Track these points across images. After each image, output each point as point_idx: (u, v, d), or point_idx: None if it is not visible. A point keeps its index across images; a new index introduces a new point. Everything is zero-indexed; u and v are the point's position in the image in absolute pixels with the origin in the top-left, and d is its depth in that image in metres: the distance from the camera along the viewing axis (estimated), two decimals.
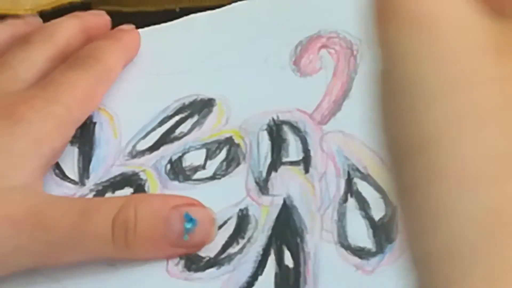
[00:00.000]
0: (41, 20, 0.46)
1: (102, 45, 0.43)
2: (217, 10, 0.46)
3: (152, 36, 0.46)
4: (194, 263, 0.37)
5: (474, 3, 0.23)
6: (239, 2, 0.46)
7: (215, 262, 0.37)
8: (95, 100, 0.42)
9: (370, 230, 0.38)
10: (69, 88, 0.41)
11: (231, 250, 0.38)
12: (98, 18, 0.45)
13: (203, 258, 0.38)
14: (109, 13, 0.46)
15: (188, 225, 0.37)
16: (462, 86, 0.22)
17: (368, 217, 0.38)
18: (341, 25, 0.44)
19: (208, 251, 0.38)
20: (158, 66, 0.45)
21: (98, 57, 0.42)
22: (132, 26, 0.46)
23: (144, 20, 0.46)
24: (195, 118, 0.43)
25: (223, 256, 0.37)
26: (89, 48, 0.43)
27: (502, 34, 0.23)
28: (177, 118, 0.43)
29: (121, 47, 0.44)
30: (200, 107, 0.43)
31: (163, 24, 0.46)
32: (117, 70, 0.44)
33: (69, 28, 0.44)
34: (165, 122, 0.43)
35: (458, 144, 0.22)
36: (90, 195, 0.41)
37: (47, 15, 0.46)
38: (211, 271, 0.37)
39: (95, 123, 0.43)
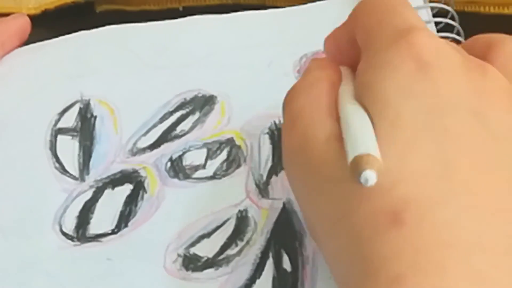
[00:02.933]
0: (28, 19, 0.47)
1: None
2: (222, 15, 0.47)
3: (155, 30, 0.46)
4: (192, 262, 0.37)
5: None
6: (246, 12, 0.47)
7: (213, 262, 0.37)
8: None
9: None
10: None
11: (230, 252, 0.37)
12: (15, 24, 0.46)
13: (201, 258, 0.37)
14: (112, 12, 0.47)
15: None
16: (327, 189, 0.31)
17: None
18: None
19: (207, 252, 0.37)
20: (160, 59, 0.45)
21: None
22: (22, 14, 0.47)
23: (147, 19, 0.47)
24: (197, 115, 0.43)
25: (221, 257, 0.37)
26: None
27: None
28: (178, 114, 0.43)
29: None
30: (202, 104, 0.43)
31: (167, 21, 0.46)
32: None
33: None
34: (166, 118, 0.43)
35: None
36: (90, 191, 0.40)
37: (51, 14, 0.47)
38: (209, 271, 0.37)
39: (96, 117, 0.43)
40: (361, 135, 0.29)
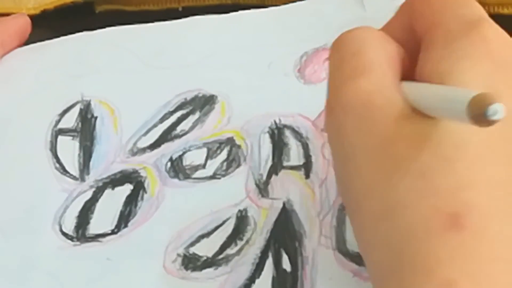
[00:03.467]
0: (28, 19, 0.47)
1: None
2: (222, 15, 0.47)
3: (155, 31, 0.46)
4: (191, 262, 0.37)
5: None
6: (247, 11, 0.47)
7: (212, 262, 0.37)
8: None
9: None
10: None
11: (229, 251, 0.37)
12: (15, 24, 0.46)
13: (201, 257, 0.37)
14: (112, 12, 0.47)
15: None
16: (385, 147, 0.29)
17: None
18: None
19: (206, 251, 0.37)
20: (161, 59, 0.45)
21: None
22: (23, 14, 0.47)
23: (146, 19, 0.47)
24: (197, 115, 0.43)
25: (220, 256, 0.37)
26: None
27: (423, 123, 0.29)
28: (178, 114, 0.43)
29: None
30: (202, 104, 0.43)
31: (167, 21, 0.46)
32: None
33: None
34: (167, 118, 0.43)
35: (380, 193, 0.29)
36: (90, 192, 0.40)
37: (50, 14, 0.47)
38: (208, 271, 0.37)
39: (96, 117, 0.43)
40: (462, 89, 0.28)
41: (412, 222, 0.28)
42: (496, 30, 0.30)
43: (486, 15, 0.31)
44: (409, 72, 0.32)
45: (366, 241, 0.30)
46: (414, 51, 0.32)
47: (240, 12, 0.47)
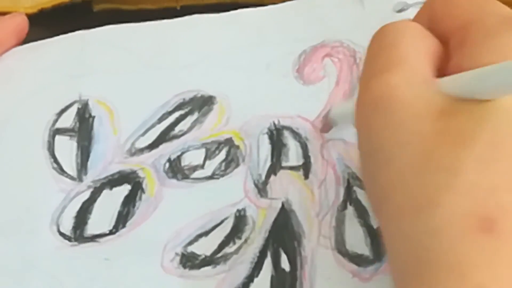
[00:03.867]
0: (25, 18, 0.47)
1: None
2: (221, 14, 0.46)
3: (154, 30, 0.46)
4: (189, 260, 0.37)
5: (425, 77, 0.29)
6: (245, 9, 0.47)
7: (210, 260, 0.37)
8: None
9: (368, 238, 0.37)
10: None
11: (228, 250, 0.37)
12: (12, 23, 0.46)
13: (199, 256, 0.37)
14: (110, 11, 0.46)
15: None
16: (416, 142, 0.28)
17: (367, 225, 0.38)
18: (345, 34, 0.44)
19: (204, 250, 0.37)
20: (159, 59, 0.45)
21: None
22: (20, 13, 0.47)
23: (144, 18, 0.47)
24: (195, 115, 0.42)
25: (219, 255, 0.37)
26: None
27: (458, 118, 0.28)
28: (176, 114, 0.42)
29: None
30: (201, 104, 0.43)
31: (165, 20, 0.46)
32: None
33: None
34: (165, 119, 0.42)
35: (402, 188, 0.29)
36: (88, 192, 0.40)
37: (48, 13, 0.46)
38: (206, 269, 0.37)
39: (94, 117, 0.43)
40: None
41: (443, 220, 0.27)
42: None
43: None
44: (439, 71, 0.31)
45: (391, 234, 0.30)
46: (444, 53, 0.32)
47: (239, 10, 0.46)
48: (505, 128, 0.28)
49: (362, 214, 0.38)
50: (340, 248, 0.37)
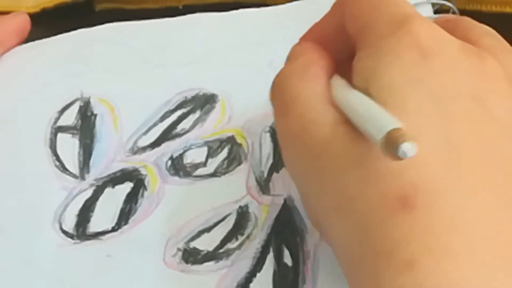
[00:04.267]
0: (28, 17, 0.47)
1: None
2: (223, 13, 0.47)
3: (156, 27, 0.46)
4: (191, 255, 0.37)
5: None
6: (247, 9, 0.47)
7: (213, 256, 0.37)
8: None
9: None
10: None
11: (230, 245, 0.37)
12: (15, 22, 0.46)
13: (201, 251, 0.37)
14: (111, 10, 0.47)
15: None
16: (323, 151, 0.31)
17: None
18: None
19: (207, 245, 0.37)
20: (161, 57, 0.45)
21: None
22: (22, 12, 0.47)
23: (146, 17, 0.47)
24: (197, 114, 0.43)
25: (221, 250, 0.37)
26: None
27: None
28: (179, 113, 0.43)
29: None
30: (203, 102, 0.43)
31: (167, 18, 0.46)
32: None
33: None
34: (167, 117, 0.43)
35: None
36: (90, 190, 0.40)
37: (50, 13, 0.47)
38: (209, 264, 0.37)
39: (96, 115, 0.43)
40: (382, 114, 0.29)
41: (365, 210, 0.29)
42: (425, 24, 0.31)
43: (415, 12, 0.32)
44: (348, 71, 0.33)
45: (329, 236, 0.32)
46: (349, 50, 0.33)
47: (241, 10, 0.47)
48: (395, 112, 0.29)
49: None
50: None
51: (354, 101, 0.31)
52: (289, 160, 0.34)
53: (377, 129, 0.28)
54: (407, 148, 0.26)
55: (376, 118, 0.29)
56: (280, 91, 0.34)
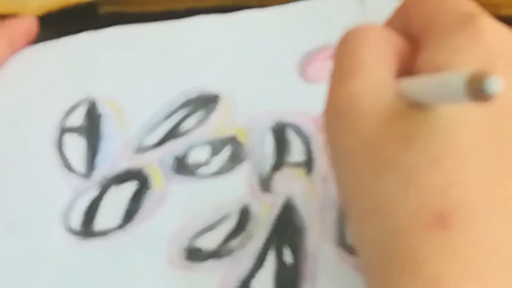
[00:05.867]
0: (35, 20, 0.47)
1: None
2: (226, 15, 0.47)
3: (160, 30, 0.46)
4: (194, 254, 0.38)
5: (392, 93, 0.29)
6: (248, 10, 0.47)
7: (215, 254, 0.38)
8: None
9: None
10: None
11: (232, 244, 0.38)
12: (23, 25, 0.47)
13: (204, 249, 0.38)
14: (115, 13, 0.47)
15: None
16: (373, 148, 0.29)
17: None
18: None
19: (209, 244, 0.38)
20: (165, 58, 0.45)
21: None
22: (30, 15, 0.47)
23: (149, 20, 0.47)
24: (201, 113, 0.43)
25: (223, 249, 0.38)
26: None
27: (412, 121, 0.29)
28: (182, 112, 0.43)
29: (1, 32, 0.46)
30: (206, 102, 0.43)
31: (172, 21, 0.47)
32: None
33: None
34: (171, 117, 0.43)
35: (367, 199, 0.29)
36: (96, 189, 0.41)
37: (54, 16, 0.47)
38: (211, 262, 0.37)
39: (101, 115, 0.43)
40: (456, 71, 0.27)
41: (398, 219, 0.28)
42: (492, 23, 0.30)
43: (481, 11, 0.31)
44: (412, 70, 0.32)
45: (356, 237, 0.31)
46: (413, 52, 0.32)
47: (243, 11, 0.47)
48: (452, 129, 0.28)
49: None
50: (342, 242, 0.37)
51: (424, 77, 0.29)
52: (332, 137, 0.32)
53: (457, 79, 0.25)
54: (493, 82, 0.24)
55: (453, 74, 0.27)
56: (351, 50, 0.31)
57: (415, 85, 0.30)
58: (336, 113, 0.31)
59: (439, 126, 0.28)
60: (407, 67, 0.32)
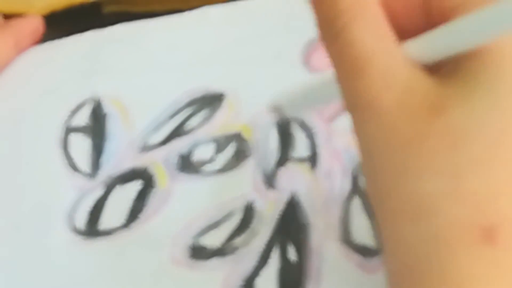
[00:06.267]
0: (41, 20, 0.47)
1: None
2: (231, 4, 0.47)
3: (165, 26, 0.46)
4: (198, 252, 0.38)
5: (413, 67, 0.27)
6: (251, 1, 0.47)
7: (219, 252, 0.38)
8: None
9: (374, 229, 0.38)
10: None
11: (236, 242, 0.38)
12: (29, 24, 0.47)
13: (208, 247, 0.38)
14: (118, 13, 0.47)
15: None
16: (412, 145, 0.27)
17: (373, 216, 0.38)
18: None
19: (213, 242, 0.38)
20: (169, 57, 0.45)
21: None
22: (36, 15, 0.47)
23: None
24: (205, 112, 0.43)
25: (227, 246, 0.38)
26: None
27: (436, 92, 0.26)
28: (187, 111, 0.43)
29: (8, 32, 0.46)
30: (210, 101, 0.43)
31: (175, 15, 0.47)
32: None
33: (4, 48, 0.46)
34: (176, 116, 0.43)
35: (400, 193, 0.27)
36: (101, 188, 0.41)
37: (58, 16, 0.47)
38: (215, 260, 0.37)
39: (106, 114, 0.44)
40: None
41: (443, 229, 0.26)
42: None
43: None
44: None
45: (388, 239, 0.28)
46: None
47: (246, 1, 0.47)
48: (504, 119, 0.26)
49: (368, 205, 0.38)
50: (346, 239, 0.37)
51: (449, 24, 0.26)
52: (361, 133, 0.28)
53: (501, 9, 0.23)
54: None
55: (491, 8, 0.24)
56: (346, 47, 0.28)
57: (435, 38, 0.27)
58: (361, 110, 0.28)
59: (484, 120, 0.26)
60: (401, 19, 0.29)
